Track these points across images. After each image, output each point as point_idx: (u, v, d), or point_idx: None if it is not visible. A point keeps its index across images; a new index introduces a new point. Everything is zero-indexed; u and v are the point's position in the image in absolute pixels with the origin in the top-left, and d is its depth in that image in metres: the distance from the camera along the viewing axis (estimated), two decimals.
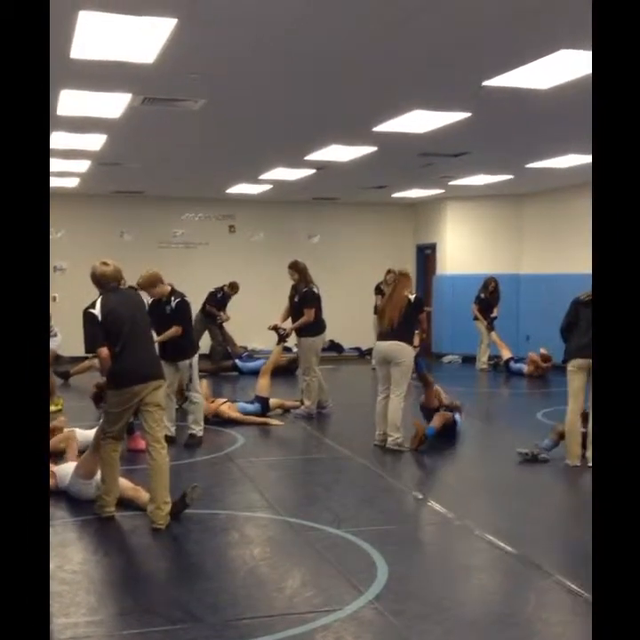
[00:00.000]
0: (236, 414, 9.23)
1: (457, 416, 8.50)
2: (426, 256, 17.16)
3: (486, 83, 6.63)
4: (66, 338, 10.45)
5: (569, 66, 6.11)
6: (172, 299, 7.99)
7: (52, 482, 6.19)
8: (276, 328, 10.35)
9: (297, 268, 9.92)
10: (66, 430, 7.31)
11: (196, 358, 8.12)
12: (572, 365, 7.33)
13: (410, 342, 8.01)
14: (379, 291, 14.72)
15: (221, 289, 13.99)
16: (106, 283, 5.67)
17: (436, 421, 8.20)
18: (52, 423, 7.21)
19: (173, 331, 7.88)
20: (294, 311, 9.93)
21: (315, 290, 9.78)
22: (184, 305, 8.09)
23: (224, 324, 14.11)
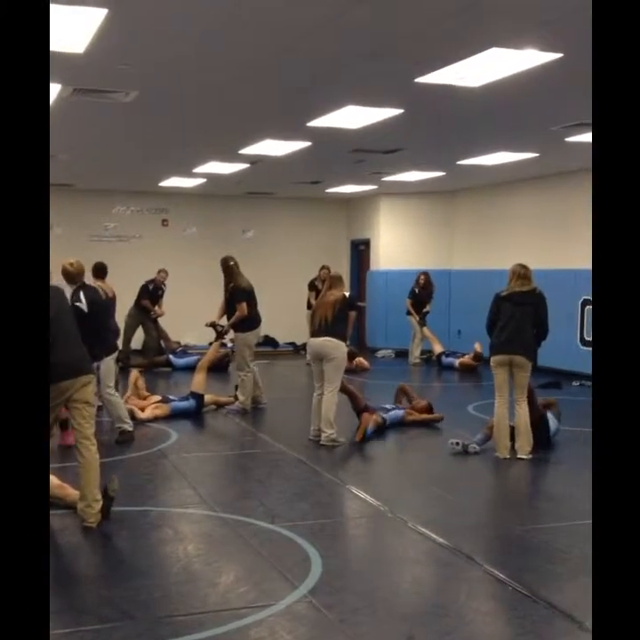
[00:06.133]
0: (146, 415, 9.08)
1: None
2: (360, 251, 17.26)
3: (419, 79, 6.70)
4: None
5: (500, 64, 6.22)
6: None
7: None
8: (213, 325, 10.34)
9: (222, 266, 9.93)
10: None
11: (106, 360, 7.79)
12: (493, 361, 7.51)
13: (342, 338, 8.07)
14: (312, 287, 14.76)
15: (152, 280, 13.80)
16: None
17: (372, 422, 8.30)
18: None
19: None
20: (228, 308, 9.92)
21: (243, 285, 9.73)
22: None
23: (158, 319, 13.94)
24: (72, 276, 7.43)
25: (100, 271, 9.45)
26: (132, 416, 8.57)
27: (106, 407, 8.08)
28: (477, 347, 13.19)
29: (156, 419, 9.02)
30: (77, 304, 7.24)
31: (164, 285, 13.93)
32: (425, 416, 9.05)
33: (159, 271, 13.85)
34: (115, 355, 8.12)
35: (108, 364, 7.89)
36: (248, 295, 9.71)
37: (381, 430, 8.45)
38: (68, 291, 6.94)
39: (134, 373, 9.67)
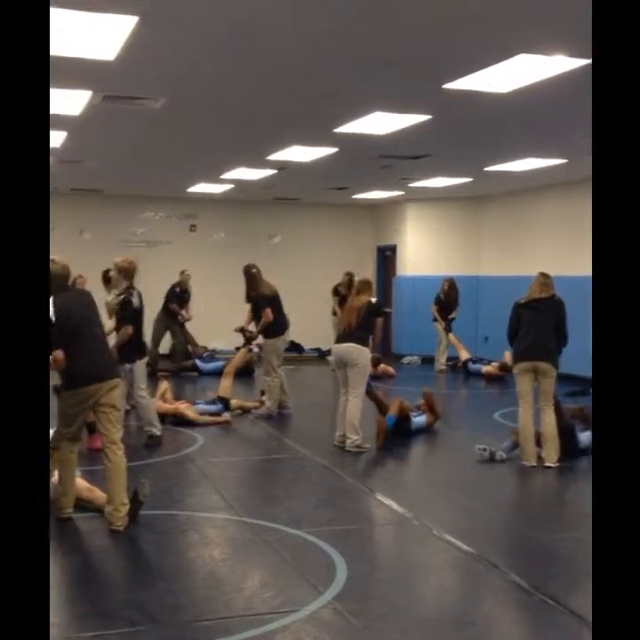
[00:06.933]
0: (193, 415, 9.17)
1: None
2: (386, 257, 17.24)
3: (446, 86, 6.69)
4: None
5: (527, 70, 6.20)
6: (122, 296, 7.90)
7: None
8: (242, 330, 10.40)
9: (245, 273, 10.05)
10: None
11: (139, 362, 7.92)
12: (517, 368, 7.49)
13: (366, 344, 8.07)
14: (336, 293, 14.76)
15: (178, 283, 13.80)
16: (54, 281, 5.55)
17: (393, 408, 8.33)
18: None
19: (121, 331, 7.75)
20: (254, 314, 9.99)
21: (265, 292, 9.78)
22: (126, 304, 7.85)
23: (185, 324, 13.98)
24: (131, 272, 7.82)
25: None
26: (181, 419, 8.85)
27: (137, 410, 8.16)
28: (507, 356, 12.88)
29: (179, 416, 9.08)
30: (133, 299, 7.74)
31: (190, 287, 13.93)
32: (433, 408, 9.00)
33: (182, 272, 13.83)
34: (146, 358, 8.22)
35: (141, 367, 7.99)
36: (271, 301, 9.73)
37: (407, 430, 8.45)
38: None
39: (164, 385, 9.72)
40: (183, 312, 13.75)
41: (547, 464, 7.33)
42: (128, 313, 7.82)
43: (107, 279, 9.32)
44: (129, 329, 7.72)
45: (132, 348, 7.79)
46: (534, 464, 7.35)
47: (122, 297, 7.84)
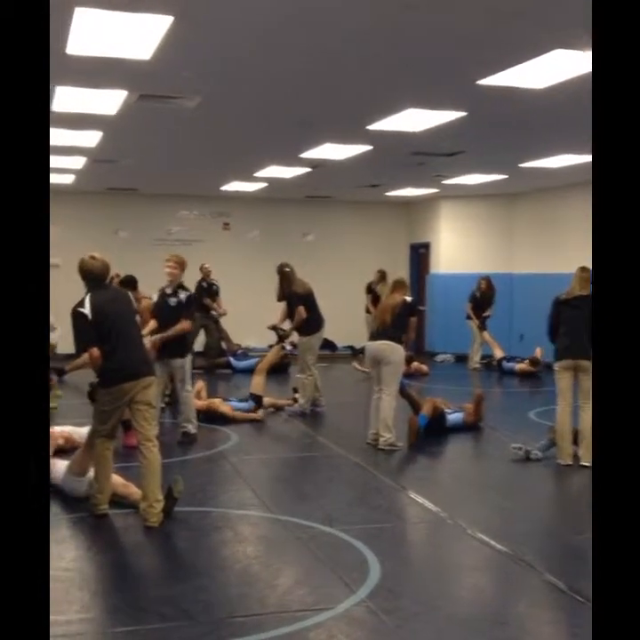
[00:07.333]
0: (226, 409, 9.20)
1: None
2: (420, 255, 17.18)
3: (481, 82, 6.65)
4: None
5: (563, 66, 6.13)
6: (180, 291, 8.08)
7: None
8: (275, 328, 10.44)
9: (278, 272, 10.13)
10: (58, 428, 7.33)
11: (188, 358, 8.12)
12: (559, 365, 7.41)
13: (400, 342, 8.05)
14: (370, 290, 14.73)
15: (203, 279, 13.75)
16: (93, 278, 5.62)
17: (426, 408, 8.31)
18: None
19: (180, 325, 7.90)
20: (288, 312, 10.05)
21: (298, 291, 9.81)
22: (192, 300, 8.27)
23: (220, 320, 13.97)
24: (184, 266, 8.27)
25: (130, 284, 9.28)
26: (214, 413, 9.05)
27: (179, 405, 8.21)
28: (538, 352, 12.95)
29: (212, 412, 9.13)
30: (171, 300, 8.10)
31: (215, 280, 13.88)
32: (478, 411, 8.98)
33: (201, 267, 13.71)
34: (191, 355, 8.36)
35: (189, 362, 8.13)
36: (304, 299, 9.75)
37: (441, 427, 8.42)
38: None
39: (199, 383, 9.79)
40: (215, 305, 13.70)
41: (583, 463, 7.25)
42: (193, 308, 8.22)
43: (128, 285, 9.22)
44: (188, 323, 7.98)
45: (185, 342, 8.04)
46: (570, 463, 7.28)
47: (189, 293, 8.22)
